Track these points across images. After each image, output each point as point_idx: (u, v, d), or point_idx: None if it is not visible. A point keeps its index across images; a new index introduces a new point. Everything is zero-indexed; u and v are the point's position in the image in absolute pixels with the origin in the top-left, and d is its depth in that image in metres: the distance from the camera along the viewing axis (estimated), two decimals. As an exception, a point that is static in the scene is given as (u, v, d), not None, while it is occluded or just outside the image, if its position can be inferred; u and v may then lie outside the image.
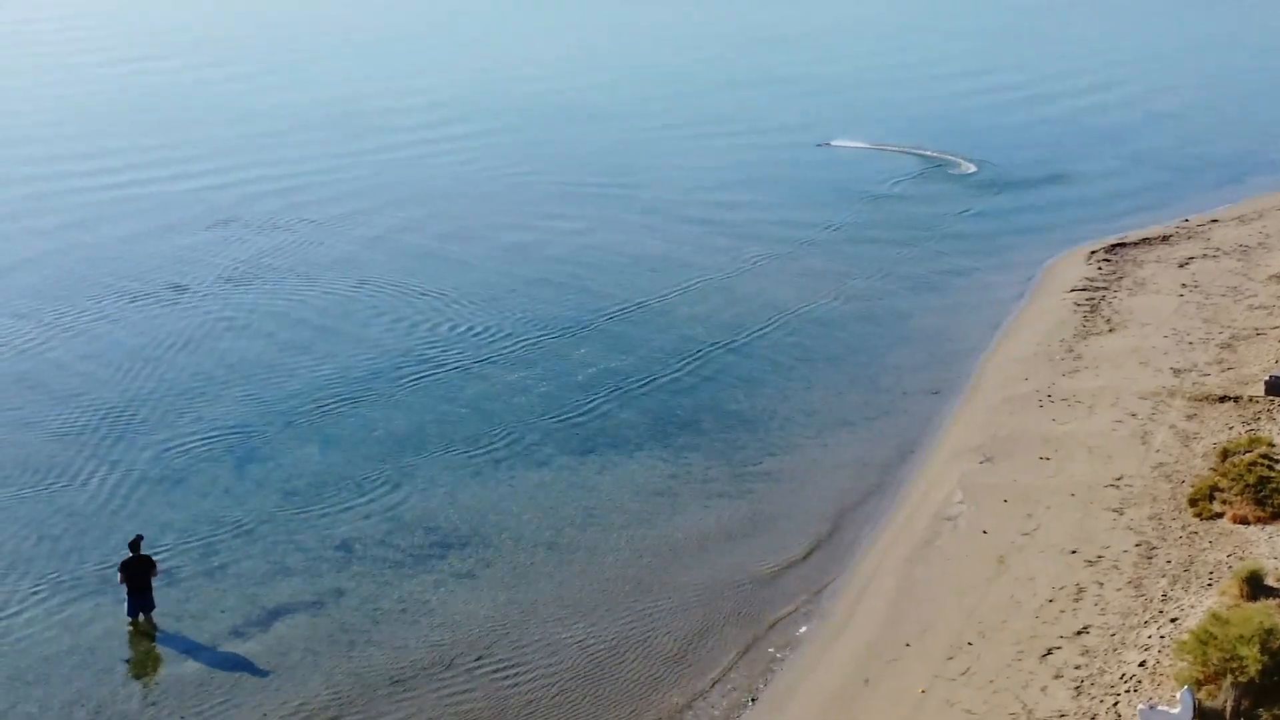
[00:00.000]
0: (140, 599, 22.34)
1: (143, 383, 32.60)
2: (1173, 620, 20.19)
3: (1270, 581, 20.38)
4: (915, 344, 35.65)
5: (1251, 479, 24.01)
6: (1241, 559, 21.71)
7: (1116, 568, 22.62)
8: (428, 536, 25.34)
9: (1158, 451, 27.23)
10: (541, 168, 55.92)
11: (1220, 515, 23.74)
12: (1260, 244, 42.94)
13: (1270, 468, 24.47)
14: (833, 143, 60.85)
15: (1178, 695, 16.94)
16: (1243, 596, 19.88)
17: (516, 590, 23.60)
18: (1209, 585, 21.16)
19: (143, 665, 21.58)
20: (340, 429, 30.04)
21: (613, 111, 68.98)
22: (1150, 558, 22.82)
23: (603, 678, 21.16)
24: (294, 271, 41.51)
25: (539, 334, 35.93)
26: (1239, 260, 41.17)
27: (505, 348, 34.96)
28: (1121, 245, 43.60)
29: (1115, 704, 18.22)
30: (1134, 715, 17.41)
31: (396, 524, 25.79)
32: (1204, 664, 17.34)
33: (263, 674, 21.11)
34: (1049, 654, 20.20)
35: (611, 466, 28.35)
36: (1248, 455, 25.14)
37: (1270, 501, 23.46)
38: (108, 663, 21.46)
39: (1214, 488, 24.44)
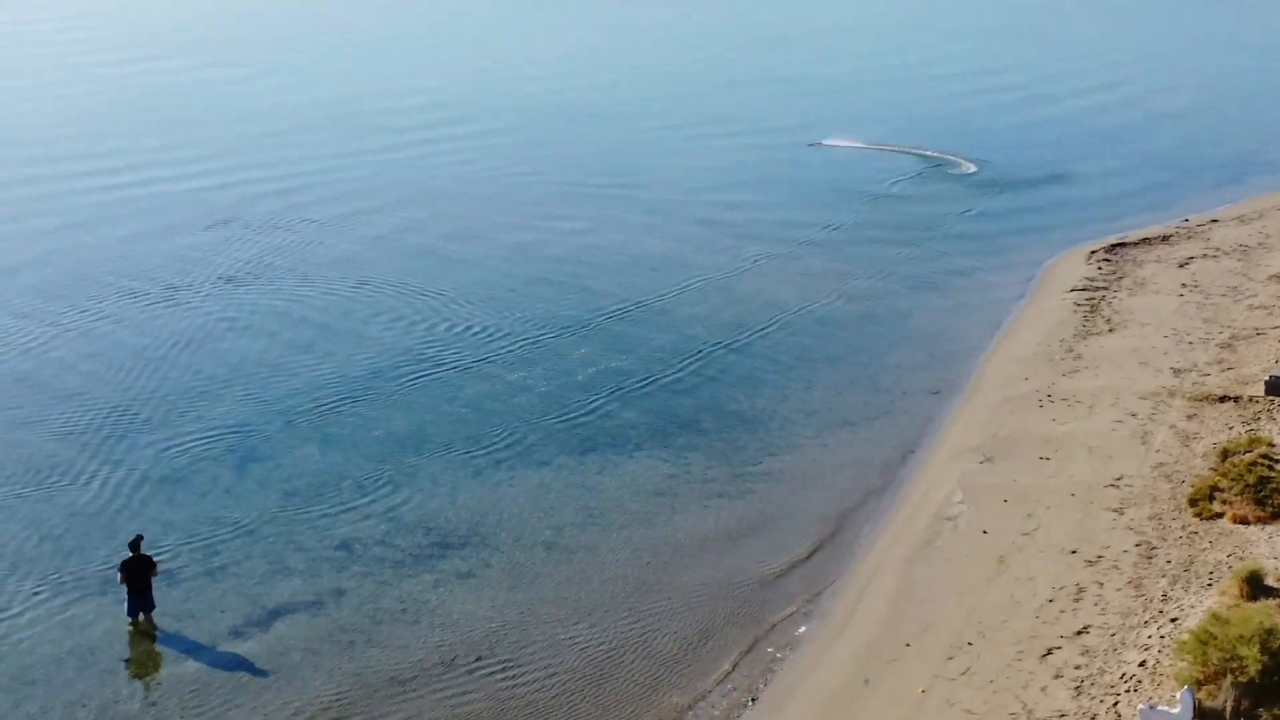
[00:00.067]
0: (140, 599, 22.34)
1: (144, 382, 32.61)
2: (1173, 620, 20.20)
3: (1270, 581, 20.38)
4: (915, 344, 35.65)
5: (1251, 479, 24.02)
6: (1241, 559, 21.72)
7: (1116, 568, 22.62)
8: (428, 536, 25.35)
9: (1158, 451, 27.23)
10: (542, 168, 55.92)
11: (1220, 515, 23.74)
12: (1260, 244, 42.94)
13: (1270, 468, 24.48)
14: (824, 142, 60.87)
15: (1178, 695, 16.95)
16: (1243, 596, 19.89)
17: (517, 590, 23.60)
18: (1209, 585, 21.16)
19: (143, 665, 21.59)
20: (340, 429, 30.05)
21: (613, 111, 68.98)
22: (1150, 558, 22.82)
23: (603, 678, 21.17)
24: (294, 271, 41.52)
25: (539, 334, 35.94)
26: (1239, 260, 41.17)
27: (505, 347, 34.97)
28: (1121, 245, 43.60)
29: (1115, 704, 18.23)
30: (1134, 715, 17.41)
31: (396, 524, 25.79)
32: (1204, 664, 17.34)
33: (263, 674, 21.12)
34: (1049, 654, 20.20)
35: (612, 466, 28.36)
36: (1248, 455, 25.14)
37: (1270, 501, 23.47)
38: (108, 663, 21.47)
39: (1214, 488, 24.45)
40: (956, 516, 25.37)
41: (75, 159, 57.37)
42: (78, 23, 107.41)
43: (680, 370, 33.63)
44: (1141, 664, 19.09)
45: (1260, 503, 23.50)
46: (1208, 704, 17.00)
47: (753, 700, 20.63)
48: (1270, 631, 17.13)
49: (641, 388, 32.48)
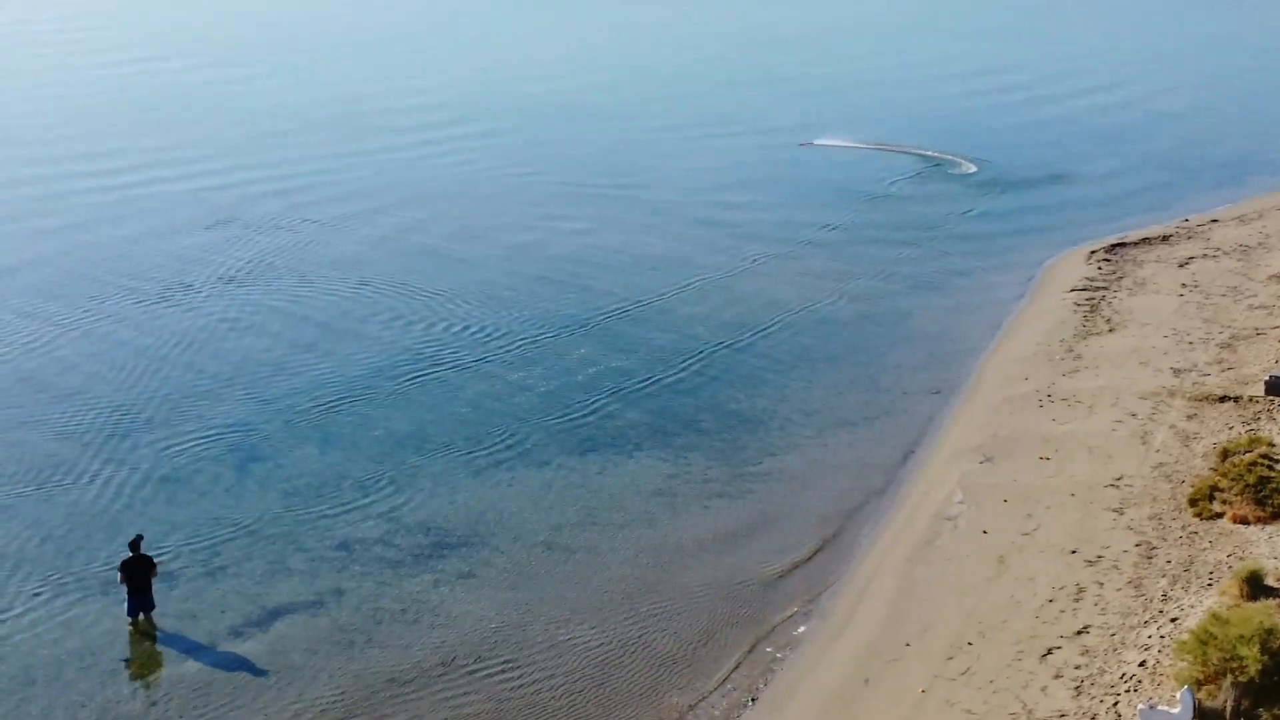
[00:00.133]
0: (140, 599, 22.35)
1: (145, 382, 32.63)
2: (1173, 620, 20.20)
3: (1270, 581, 20.39)
4: (915, 344, 35.66)
5: (1251, 479, 24.02)
6: (1241, 559, 21.72)
7: (1116, 568, 22.63)
8: (428, 536, 25.35)
9: (1158, 451, 27.24)
10: (542, 168, 55.92)
11: (1220, 515, 23.74)
12: (1260, 244, 42.94)
13: (1270, 468, 24.48)
14: (815, 142, 60.87)
15: (1178, 695, 16.95)
16: (1243, 596, 19.89)
17: (517, 590, 23.61)
18: (1209, 585, 21.17)
19: (143, 665, 21.59)
20: (341, 428, 30.06)
21: (613, 111, 68.98)
22: (1150, 558, 22.83)
23: (603, 678, 21.17)
24: (295, 272, 41.53)
25: (539, 333, 35.95)
26: (1239, 260, 41.17)
27: (505, 347, 34.98)
28: (1121, 245, 43.60)
29: (1115, 704, 18.23)
30: (1134, 715, 17.42)
31: (397, 524, 25.80)
32: (1204, 664, 17.35)
33: (263, 674, 21.12)
34: (1049, 654, 20.21)
35: (612, 466, 28.36)
36: (1248, 455, 25.15)
37: (1270, 501, 23.47)
38: (109, 663, 21.48)
39: (1214, 488, 24.45)
40: (956, 516, 25.37)
41: (76, 159, 57.38)
42: (78, 23, 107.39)
43: (680, 370, 33.63)
44: (1141, 664, 19.10)
45: (1260, 503, 23.50)
46: (1208, 704, 17.01)
47: (753, 700, 20.64)
48: (1270, 631, 17.13)
49: (642, 388, 32.49)
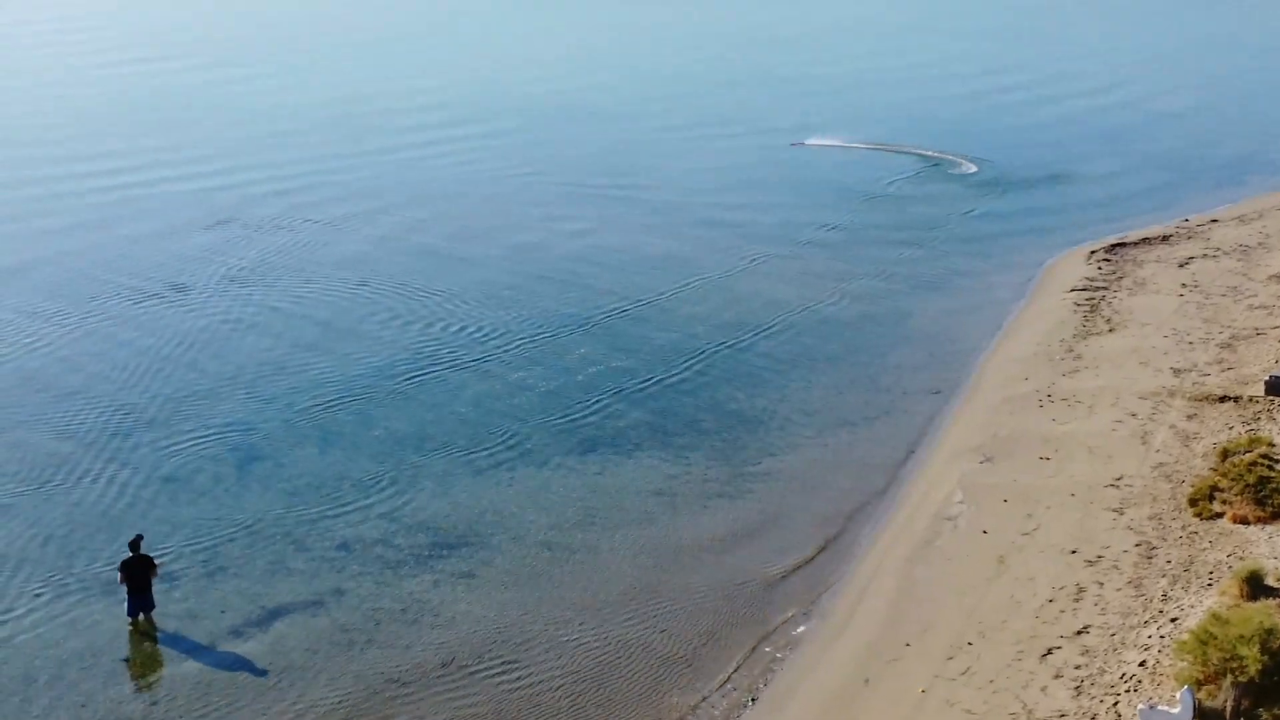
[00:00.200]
0: (140, 599, 22.35)
1: (147, 382, 32.66)
2: (1173, 620, 20.20)
3: (1270, 581, 20.39)
4: (915, 344, 35.66)
5: (1251, 479, 24.02)
6: (1241, 559, 21.72)
7: (1116, 568, 22.63)
8: (428, 536, 25.36)
9: (1158, 451, 27.23)
10: (542, 168, 55.91)
11: (1220, 515, 23.74)
12: (1260, 244, 42.94)
13: (1270, 468, 24.48)
14: (807, 142, 60.87)
15: (1178, 695, 16.95)
16: (1243, 596, 19.89)
17: (517, 590, 23.61)
18: (1209, 585, 21.17)
19: (143, 666, 21.60)
20: (341, 428, 30.07)
21: (613, 112, 68.98)
22: (1150, 558, 22.83)
23: (604, 678, 21.17)
24: (296, 271, 41.54)
25: (539, 333, 35.96)
26: (1239, 260, 41.17)
27: (505, 347, 34.99)
28: (1121, 245, 43.60)
29: (1115, 704, 18.23)
30: (1134, 715, 17.42)
31: (397, 524, 25.80)
32: (1204, 664, 17.35)
33: (263, 674, 21.13)
34: (1049, 654, 20.21)
35: (612, 466, 28.37)
36: (1248, 455, 25.14)
37: (1270, 501, 23.47)
38: (109, 664, 21.48)
39: (1214, 488, 24.45)
40: (956, 516, 25.37)
41: (76, 159, 57.40)
42: (78, 23, 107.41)
43: (681, 370, 33.63)
44: (1141, 664, 19.10)
45: (1260, 503, 23.50)
46: (1208, 704, 17.01)
47: (753, 700, 20.64)
48: (1270, 631, 17.13)
49: (642, 387, 32.49)
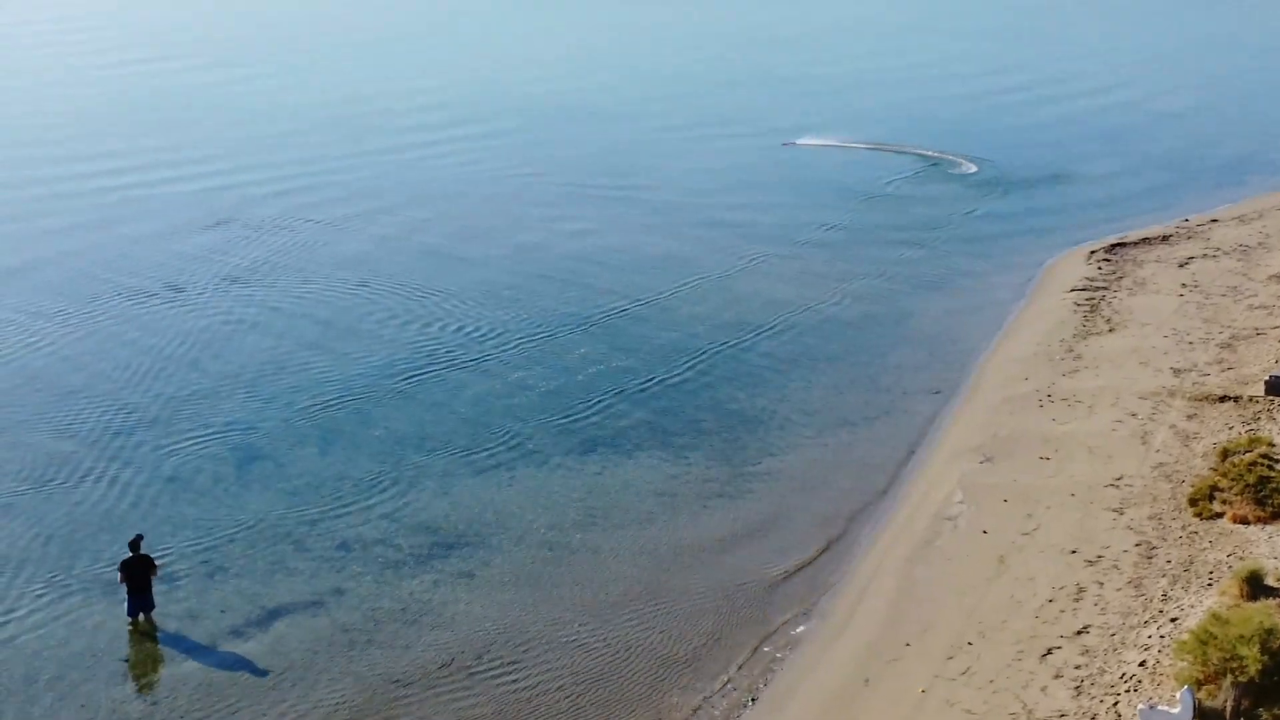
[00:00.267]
0: (140, 599, 22.35)
1: (149, 382, 32.68)
2: (1173, 620, 20.21)
3: (1270, 581, 20.39)
4: (916, 344, 35.66)
5: (1251, 479, 24.03)
6: (1241, 559, 21.73)
7: (1116, 568, 22.63)
8: (428, 536, 25.36)
9: (1158, 451, 27.24)
10: (543, 168, 55.91)
11: (1220, 515, 23.75)
12: (1260, 244, 42.94)
13: (1270, 468, 24.49)
14: (798, 142, 60.88)
15: (1178, 695, 16.96)
16: (1243, 596, 19.90)
17: (517, 590, 23.62)
18: (1209, 585, 21.17)
19: (143, 666, 21.60)
20: (341, 428, 30.07)
21: (614, 112, 68.98)
22: (1150, 558, 22.83)
23: (604, 678, 21.17)
24: (297, 272, 41.55)
25: (540, 333, 35.96)
26: (1239, 260, 41.17)
27: (506, 347, 34.99)
28: (1121, 245, 43.60)
29: (1115, 704, 18.24)
30: (1134, 715, 17.42)
31: (397, 524, 25.81)
32: (1204, 664, 17.35)
33: (263, 674, 21.13)
34: (1049, 654, 20.21)
35: (612, 466, 28.37)
36: (1248, 455, 25.15)
37: (1270, 501, 23.47)
38: (110, 664, 21.48)
39: (1214, 487, 24.45)
40: (956, 516, 25.38)
41: (77, 159, 57.42)
42: (78, 23, 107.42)
43: (681, 370, 33.64)
44: (1141, 664, 19.10)
45: (1260, 503, 23.51)
46: (1208, 704, 17.01)
47: (753, 700, 20.64)
48: (1270, 631, 17.13)
49: (642, 387, 32.50)
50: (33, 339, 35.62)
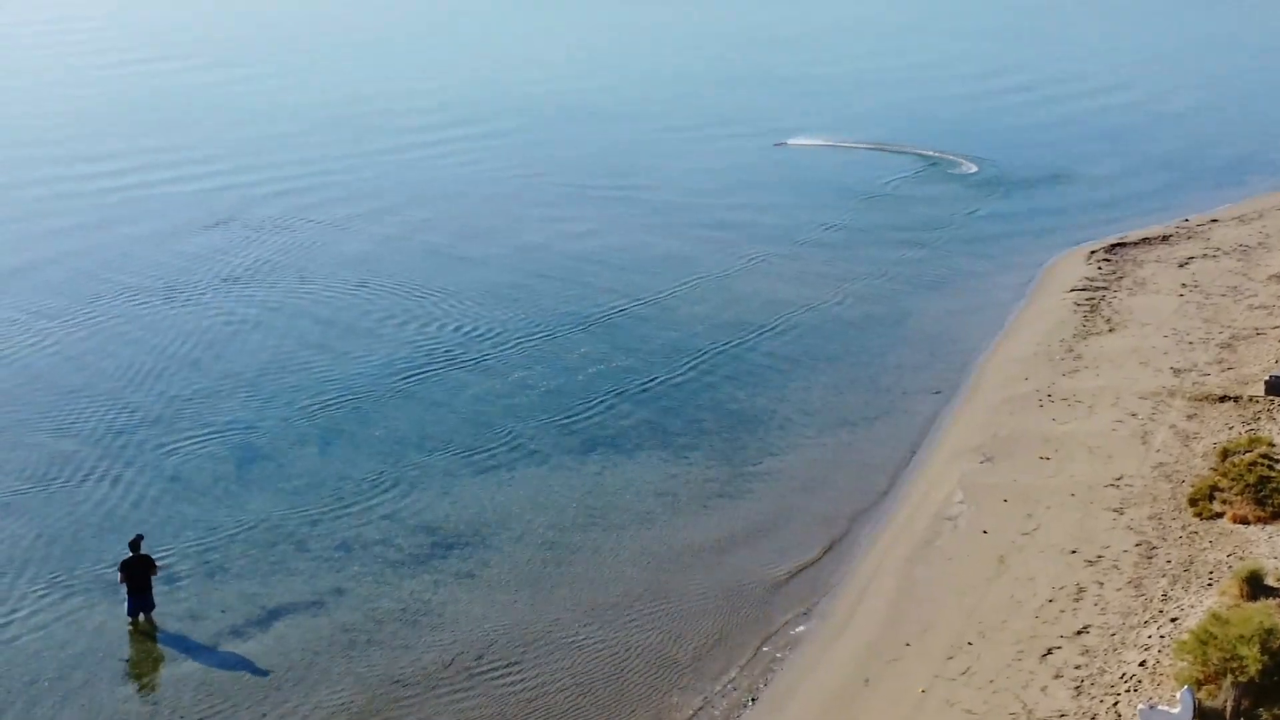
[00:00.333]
0: (140, 599, 22.36)
1: (151, 381, 32.71)
2: (1173, 620, 20.22)
3: (1270, 581, 20.40)
4: (916, 344, 35.67)
5: (1251, 479, 24.03)
6: (1241, 559, 21.74)
7: (1116, 568, 22.64)
8: (428, 536, 25.37)
9: (1158, 451, 27.25)
10: (543, 169, 55.90)
11: (1220, 515, 23.76)
12: (1260, 244, 42.95)
13: (1270, 468, 24.49)
14: (789, 142, 60.88)
15: (1178, 695, 16.96)
16: (1243, 596, 19.90)
17: (518, 591, 23.63)
18: (1209, 585, 21.18)
19: (144, 666, 21.61)
20: (342, 427, 30.09)
21: (614, 112, 68.98)
22: (1150, 558, 22.84)
23: (604, 678, 21.18)
24: (297, 271, 41.56)
25: (540, 333, 35.97)
26: (1239, 260, 41.18)
27: (506, 347, 35.00)
28: (1121, 245, 43.60)
29: (1115, 704, 18.25)
30: (1134, 715, 17.43)
31: (397, 524, 25.82)
32: (1204, 664, 17.36)
33: (263, 674, 21.14)
34: (1049, 654, 20.22)
35: (612, 466, 28.38)
36: (1248, 455, 25.15)
37: (1270, 501, 23.48)
38: (111, 664, 21.50)
39: (1214, 487, 24.46)
40: (957, 516, 25.39)
41: (77, 160, 57.42)
42: (78, 23, 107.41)
43: (681, 369, 33.65)
44: (1141, 664, 19.11)
45: (1260, 503, 23.52)
46: (1208, 704, 17.02)
47: (753, 700, 20.65)
48: (1270, 631, 17.14)
49: (643, 387, 32.51)
50: (34, 338, 35.64)
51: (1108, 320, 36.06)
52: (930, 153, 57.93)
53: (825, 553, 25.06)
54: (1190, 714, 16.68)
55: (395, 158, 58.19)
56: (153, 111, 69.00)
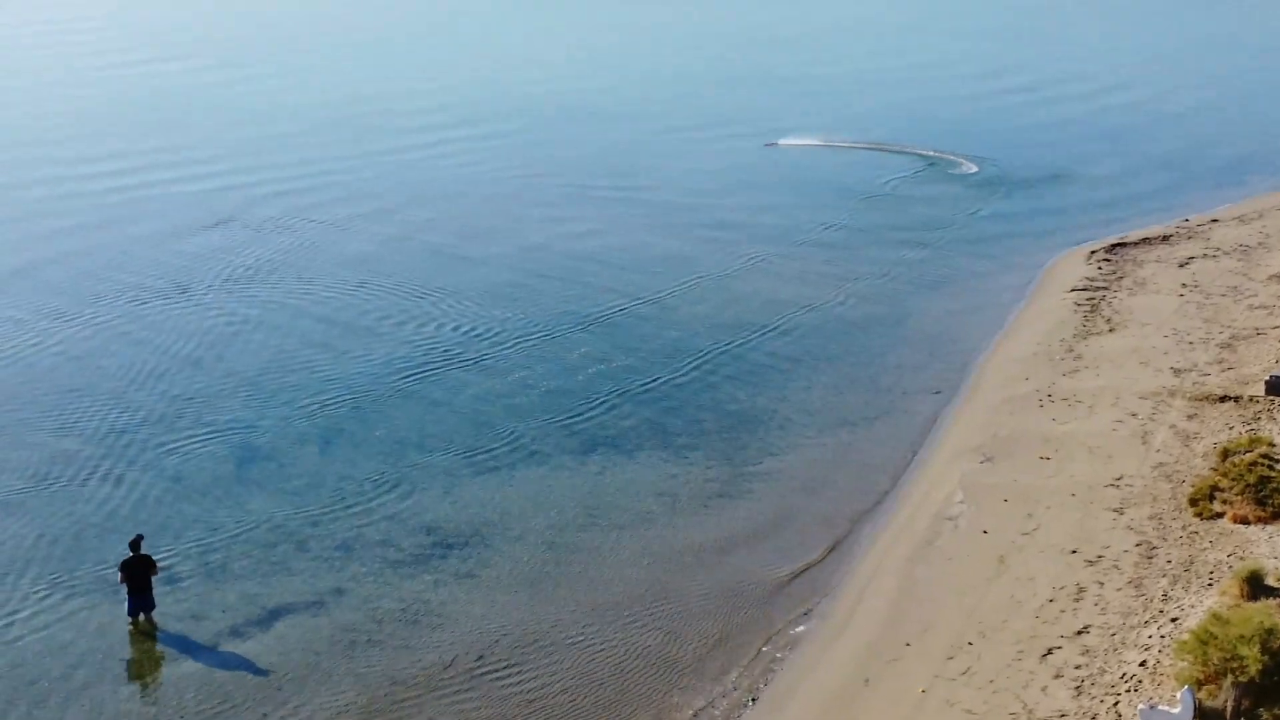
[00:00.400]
0: (140, 599, 22.37)
1: (152, 381, 32.72)
2: (1173, 620, 20.23)
3: (1270, 581, 20.41)
4: (916, 344, 35.68)
5: (1252, 479, 24.05)
6: (1242, 559, 21.75)
7: (1117, 567, 22.66)
8: (429, 536, 25.38)
9: (1158, 451, 27.26)
10: (543, 169, 55.92)
11: (1220, 515, 23.77)
12: (1260, 244, 42.96)
13: (1270, 468, 24.51)
14: (780, 142, 60.89)
15: (1178, 695, 16.98)
16: (1243, 596, 19.92)
17: (519, 591, 23.64)
18: (1209, 585, 21.20)
19: (143, 665, 21.63)
20: (342, 428, 30.10)
21: (614, 112, 69.00)
22: (1150, 557, 22.85)
23: (604, 678, 21.19)
24: (298, 272, 41.58)
25: (541, 333, 35.99)
26: (1239, 260, 41.20)
27: (507, 347, 35.02)
28: (1121, 245, 43.62)
29: (1115, 704, 18.26)
30: (1134, 715, 17.44)
31: (397, 524, 25.83)
32: (1204, 664, 17.37)
33: (263, 674, 21.16)
34: (1049, 654, 20.24)
35: (612, 466, 28.39)
36: (1248, 455, 25.17)
37: (1270, 501, 23.50)
38: (111, 664, 21.52)
39: (1214, 487, 24.48)
40: (957, 516, 25.40)
41: (78, 160, 57.43)
42: (78, 23, 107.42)
43: (682, 370, 33.66)
44: (1142, 664, 19.13)
45: (1260, 503, 23.53)
46: (1208, 704, 17.03)
47: (753, 700, 20.66)
48: (1270, 631, 17.15)
49: (643, 387, 32.52)
50: (36, 338, 35.66)
51: (1108, 320, 36.08)
52: (929, 152, 57.97)
53: (827, 553, 25.07)
54: (1190, 714, 16.70)
55: (395, 158, 58.22)
56: (153, 111, 69.02)
